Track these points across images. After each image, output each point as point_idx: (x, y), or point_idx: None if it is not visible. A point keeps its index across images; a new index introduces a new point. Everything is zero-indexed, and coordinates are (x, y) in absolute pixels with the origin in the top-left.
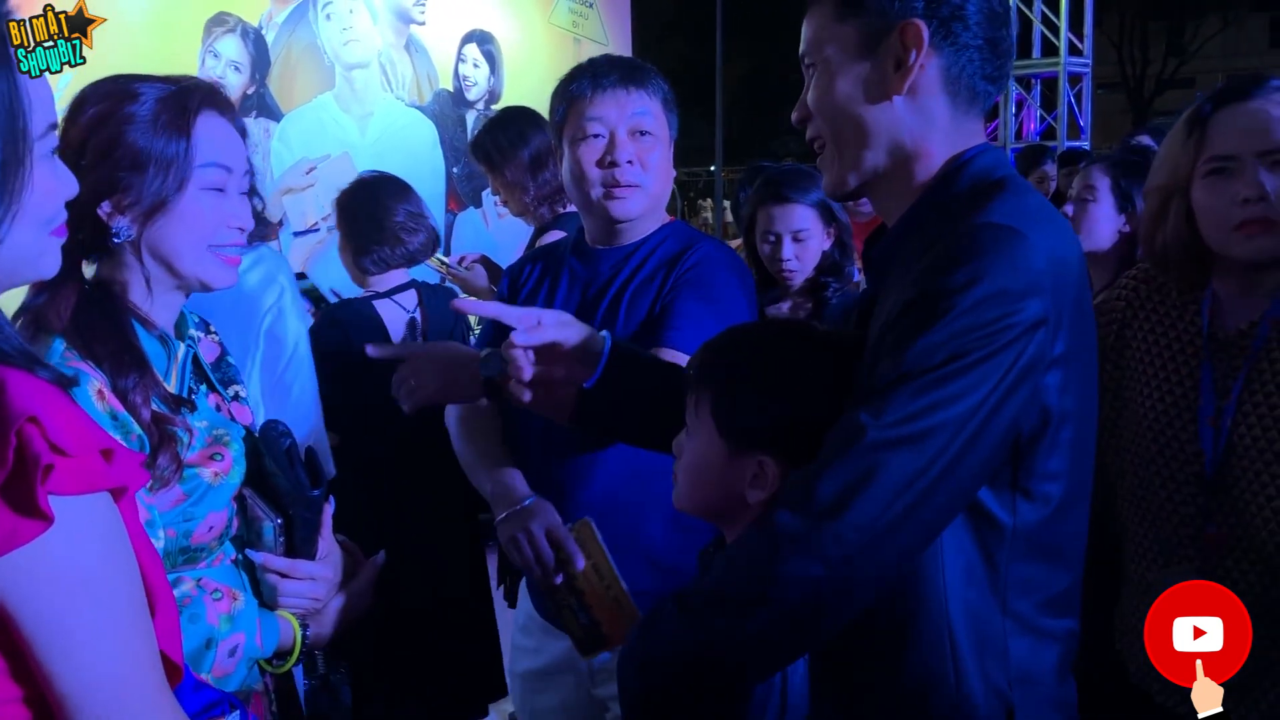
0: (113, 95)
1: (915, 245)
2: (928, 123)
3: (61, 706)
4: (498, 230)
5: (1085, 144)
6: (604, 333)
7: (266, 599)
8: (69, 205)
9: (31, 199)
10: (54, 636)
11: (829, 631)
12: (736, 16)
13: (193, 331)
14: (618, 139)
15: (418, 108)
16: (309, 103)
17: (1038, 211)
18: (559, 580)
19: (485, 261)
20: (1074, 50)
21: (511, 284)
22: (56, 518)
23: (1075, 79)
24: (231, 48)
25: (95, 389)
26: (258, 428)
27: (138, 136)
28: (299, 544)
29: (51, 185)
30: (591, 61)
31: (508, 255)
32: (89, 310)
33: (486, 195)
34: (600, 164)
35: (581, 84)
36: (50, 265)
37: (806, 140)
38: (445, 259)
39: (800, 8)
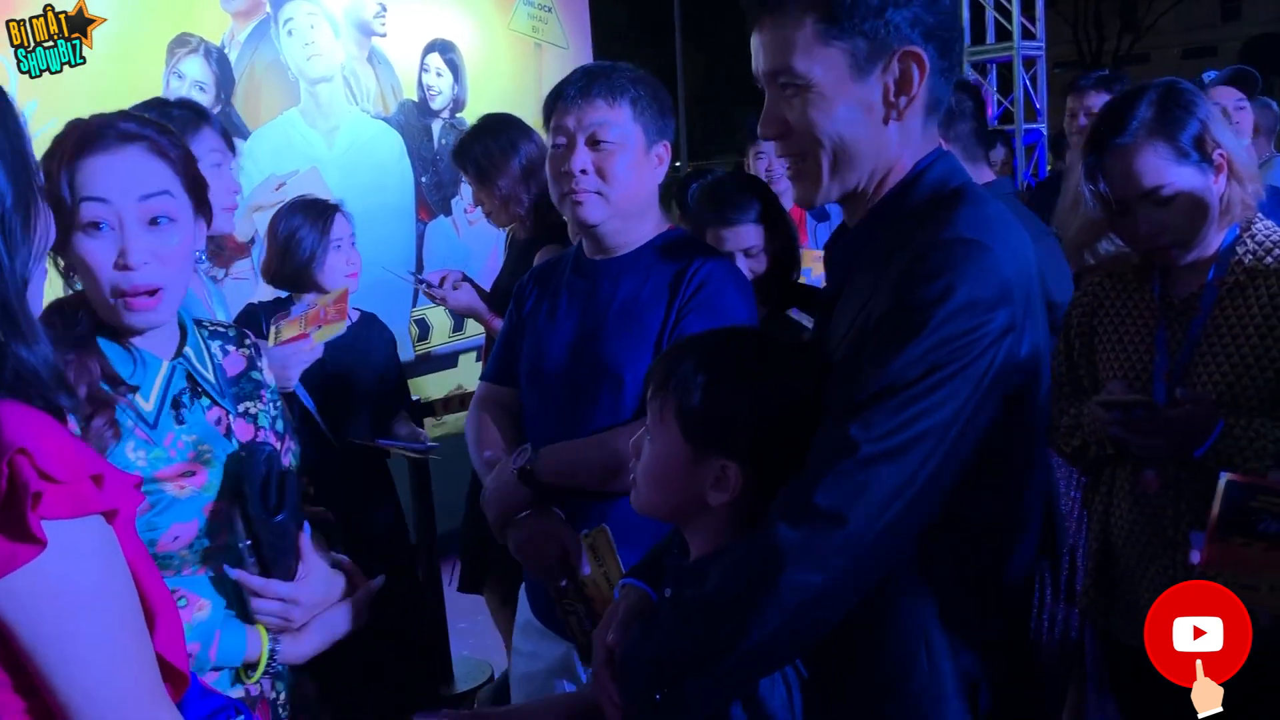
0: None
1: (877, 248)
2: (908, 139)
3: (63, 716)
4: (469, 238)
5: (1042, 126)
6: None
7: (248, 611)
8: None
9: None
10: (52, 651)
11: (824, 632)
12: (694, 17)
13: (209, 346)
14: (575, 147)
15: (383, 119)
16: (275, 119)
17: (997, 221)
18: (564, 584)
19: (464, 279)
20: (1027, 34)
21: (517, 305)
22: (50, 541)
23: (1029, 62)
24: (195, 68)
25: None
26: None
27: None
28: (269, 564)
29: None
30: (572, 73)
31: (480, 262)
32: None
33: (456, 203)
34: (560, 172)
35: (552, 95)
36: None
37: (782, 155)
38: (424, 278)
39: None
